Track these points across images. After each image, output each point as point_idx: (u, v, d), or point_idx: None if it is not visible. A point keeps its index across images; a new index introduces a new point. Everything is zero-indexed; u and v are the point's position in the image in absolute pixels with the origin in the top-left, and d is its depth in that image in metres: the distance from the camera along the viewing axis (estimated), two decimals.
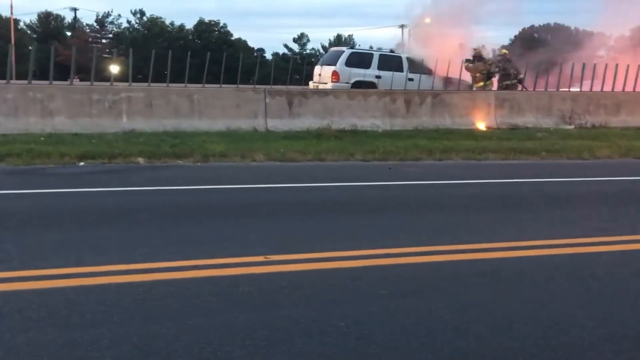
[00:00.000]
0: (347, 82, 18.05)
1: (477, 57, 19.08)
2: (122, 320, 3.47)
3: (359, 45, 24.16)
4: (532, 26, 62.55)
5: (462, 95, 16.00)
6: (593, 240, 5.34)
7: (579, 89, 19.17)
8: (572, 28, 63.64)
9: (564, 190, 8.19)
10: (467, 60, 19.01)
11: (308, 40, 69.79)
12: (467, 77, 18.86)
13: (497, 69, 19.14)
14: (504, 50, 20.12)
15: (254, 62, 23.33)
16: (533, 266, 4.64)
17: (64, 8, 71.46)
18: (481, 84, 18.45)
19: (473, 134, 14.14)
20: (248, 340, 3.25)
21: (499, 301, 3.91)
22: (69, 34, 56.96)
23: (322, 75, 18.86)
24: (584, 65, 18.17)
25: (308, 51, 67.73)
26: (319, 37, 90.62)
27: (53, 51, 14.00)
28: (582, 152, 11.54)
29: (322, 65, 19.89)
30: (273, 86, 15.56)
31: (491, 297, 3.97)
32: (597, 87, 17.89)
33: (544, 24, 63.36)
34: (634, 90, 18.93)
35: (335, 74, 18.38)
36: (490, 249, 4.99)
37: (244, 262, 4.50)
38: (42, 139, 10.92)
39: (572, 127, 15.89)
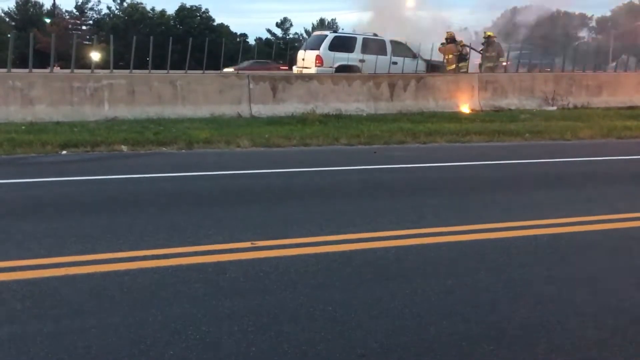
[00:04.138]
0: (330, 67, 17.98)
1: (450, 39, 19.12)
2: (108, 309, 3.46)
3: (342, 29, 24.07)
4: (515, 8, 62.61)
5: (446, 78, 16.02)
6: (576, 220, 5.40)
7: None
8: (554, 9, 63.87)
9: (547, 171, 8.25)
10: (441, 44, 19.11)
11: (291, 25, 69.29)
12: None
13: (470, 50, 19.24)
14: (489, 33, 20.12)
15: (237, 47, 23.14)
16: (517, 246, 4.69)
17: None
18: (454, 66, 18.52)
19: (457, 116, 14.18)
20: (235, 327, 3.26)
21: (484, 282, 3.95)
22: (48, 21, 55.98)
23: (306, 59, 18.76)
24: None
25: (291, 36, 67.28)
26: (302, 22, 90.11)
27: (32, 39, 13.77)
28: (564, 133, 11.63)
29: (305, 49, 19.78)
30: (256, 71, 15.46)
31: (476, 278, 4.01)
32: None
33: (526, 6, 63.41)
34: (615, 71, 19.11)
35: (318, 58, 18.30)
36: (475, 231, 5.03)
37: (230, 248, 4.50)
38: (23, 127, 10.78)
39: (554, 108, 16.00)
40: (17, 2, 59.57)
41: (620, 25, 49.90)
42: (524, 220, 5.37)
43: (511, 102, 15.99)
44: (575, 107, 16.16)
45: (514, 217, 5.49)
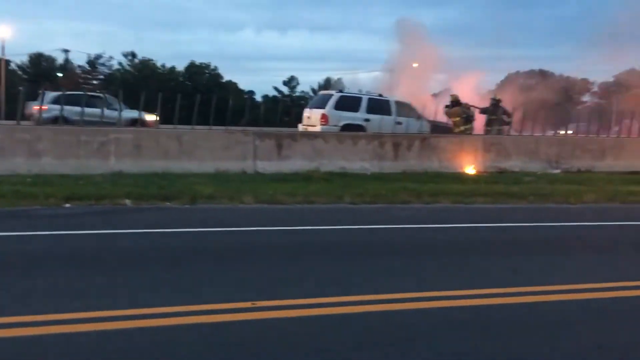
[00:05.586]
0: (336, 125, 18.17)
1: (455, 102, 19.42)
2: None
3: (348, 88, 24.47)
4: (517, 72, 63.83)
5: (450, 139, 16.15)
6: (583, 287, 5.30)
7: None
8: (557, 74, 65.03)
9: (552, 235, 8.18)
10: (446, 106, 19.41)
11: (298, 83, 70.50)
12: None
13: (477, 109, 19.52)
14: (498, 96, 20.48)
15: (244, 104, 23.49)
16: (523, 313, 4.59)
17: (56, 49, 72.03)
18: (462, 128, 18.75)
19: (461, 177, 14.21)
20: None
21: (488, 351, 3.84)
22: (60, 75, 57.24)
23: (312, 118, 18.98)
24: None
25: (298, 94, 68.38)
26: (308, 80, 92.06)
27: (43, 92, 14.01)
28: (569, 197, 11.60)
29: (311, 108, 20.05)
30: (262, 128, 15.64)
31: (488, 345, 3.90)
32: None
33: (529, 70, 64.66)
34: (618, 136, 19.29)
35: (324, 117, 18.51)
36: (482, 296, 4.93)
37: (231, 308, 4.41)
38: (28, 180, 10.83)
39: (558, 171, 16.05)
40: (30, 56, 61.08)
41: (623, 91, 50.64)
42: (530, 286, 5.27)
43: (515, 164, 16.05)
44: (579, 171, 16.21)
45: (520, 282, 5.39)
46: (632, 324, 4.49)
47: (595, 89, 71.43)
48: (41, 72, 58.78)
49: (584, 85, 69.60)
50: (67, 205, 9.06)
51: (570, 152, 16.81)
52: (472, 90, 23.84)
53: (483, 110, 19.63)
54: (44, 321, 4.01)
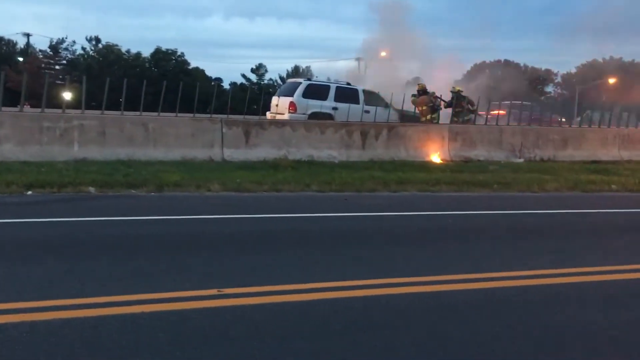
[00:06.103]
0: (304, 113, 18.16)
1: (422, 91, 19.57)
2: (66, 358, 3.33)
3: (317, 77, 24.46)
4: (484, 62, 64.62)
5: (417, 128, 16.29)
6: (544, 272, 5.45)
7: None
8: (522, 65, 66.03)
9: (515, 223, 8.35)
10: (413, 95, 19.56)
11: (266, 71, 70.09)
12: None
13: (442, 102, 19.73)
14: (458, 87, 20.68)
15: (211, 91, 23.28)
16: (486, 299, 4.69)
17: (17, 33, 70.01)
18: (428, 117, 18.93)
19: (427, 166, 14.37)
20: None
21: (456, 335, 3.92)
22: (21, 59, 55.74)
23: (280, 106, 18.94)
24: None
25: (266, 81, 68.01)
26: (277, 68, 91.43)
27: (3, 76, 13.64)
28: (531, 185, 11.85)
29: (279, 96, 20.00)
30: (230, 116, 15.54)
31: (450, 330, 3.98)
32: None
33: (494, 60, 65.51)
34: (579, 126, 19.73)
35: (292, 105, 18.48)
36: (445, 282, 5.03)
37: (196, 295, 4.41)
38: None
39: (522, 160, 16.35)
40: None
41: (584, 82, 51.76)
42: (492, 272, 5.39)
43: (480, 153, 16.29)
44: (542, 160, 16.55)
45: (483, 269, 5.51)
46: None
47: (559, 79, 72.89)
48: (1, 56, 57.16)
49: (548, 75, 70.92)
50: (29, 192, 8.88)
51: (534, 141, 17.13)
52: (444, 80, 23.99)
53: (448, 104, 19.85)
54: (6, 309, 3.94)
